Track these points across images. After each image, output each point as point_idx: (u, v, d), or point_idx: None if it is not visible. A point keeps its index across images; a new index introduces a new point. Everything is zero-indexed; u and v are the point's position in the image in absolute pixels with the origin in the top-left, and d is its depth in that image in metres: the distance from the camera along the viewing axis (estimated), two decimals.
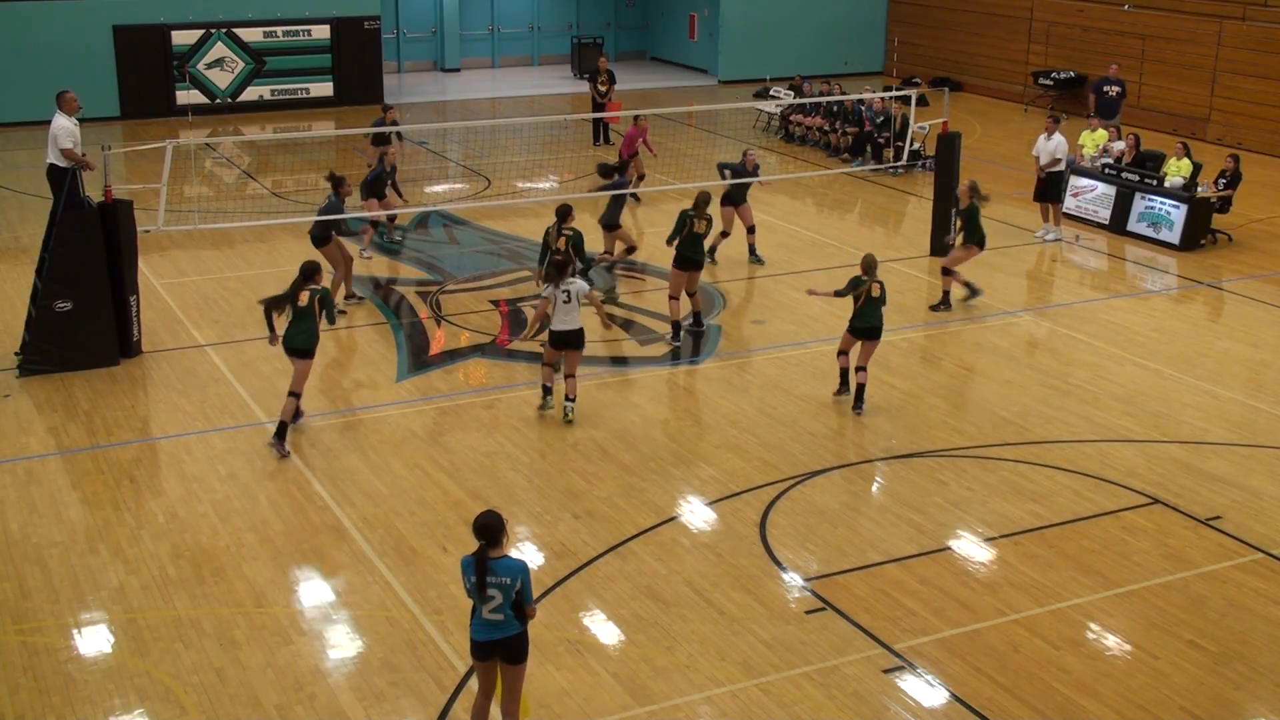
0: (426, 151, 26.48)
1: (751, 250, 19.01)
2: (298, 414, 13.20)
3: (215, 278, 18.26)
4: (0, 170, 24.20)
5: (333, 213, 16.69)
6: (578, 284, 13.28)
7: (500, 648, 8.11)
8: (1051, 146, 20.27)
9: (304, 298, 12.75)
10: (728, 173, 18.84)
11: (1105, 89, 24.73)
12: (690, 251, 15.64)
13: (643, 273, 18.59)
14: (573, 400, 13.61)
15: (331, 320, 13.15)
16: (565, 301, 13.18)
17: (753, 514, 11.77)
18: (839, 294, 14.01)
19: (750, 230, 19.00)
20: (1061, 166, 20.46)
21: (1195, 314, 17.56)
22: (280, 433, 12.87)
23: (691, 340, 15.93)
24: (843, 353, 14.20)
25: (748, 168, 18.73)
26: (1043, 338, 16.34)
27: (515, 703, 8.27)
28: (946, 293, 17.23)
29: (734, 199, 18.73)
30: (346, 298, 16.99)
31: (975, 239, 17.07)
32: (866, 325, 13.83)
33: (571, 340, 13.39)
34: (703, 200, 15.72)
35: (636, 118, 21.86)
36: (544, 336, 13.99)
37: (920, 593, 10.52)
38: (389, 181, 19.45)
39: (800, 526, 11.57)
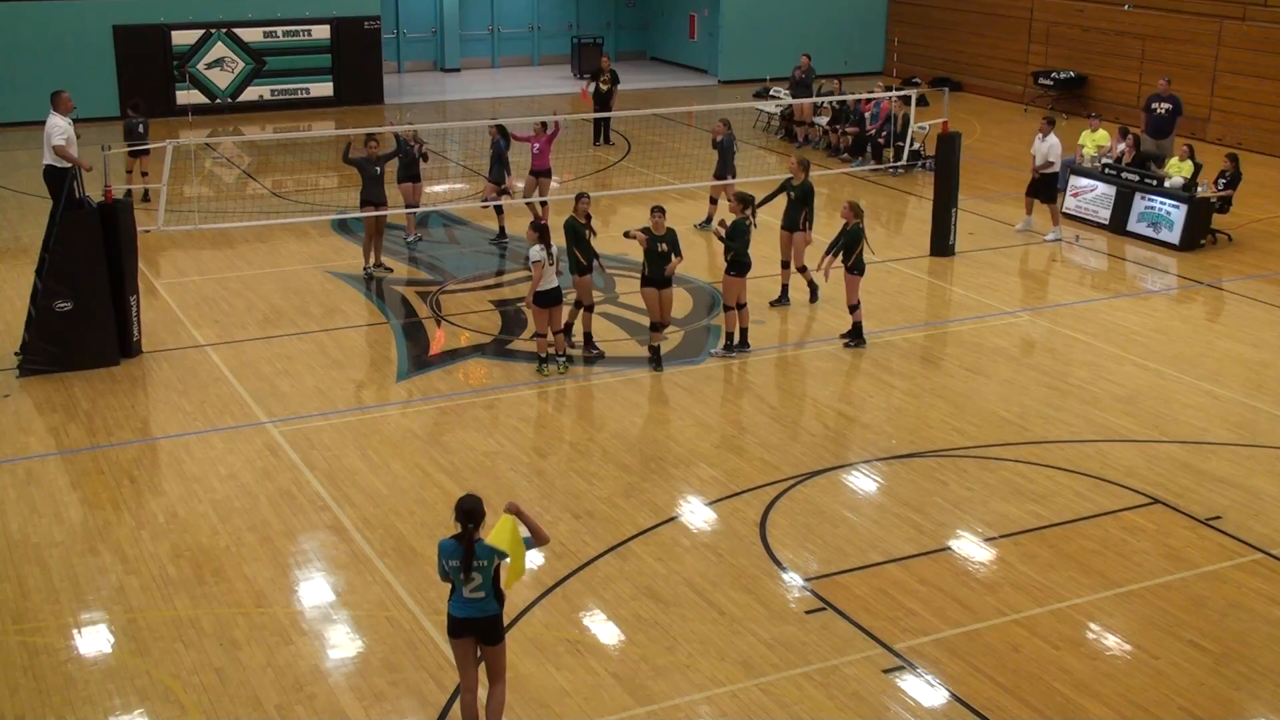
0: (427, 151, 26.41)
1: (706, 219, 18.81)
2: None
3: (215, 278, 18.25)
4: (0, 170, 24.20)
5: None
6: (555, 246, 14.44)
7: (477, 627, 8.22)
8: (1045, 148, 20.28)
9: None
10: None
11: (1154, 106, 22.77)
12: (747, 258, 15.13)
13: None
14: (564, 356, 14.81)
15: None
16: (550, 264, 14.27)
17: (753, 514, 11.78)
18: (837, 250, 15.60)
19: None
20: (1056, 168, 20.42)
21: (1195, 314, 17.56)
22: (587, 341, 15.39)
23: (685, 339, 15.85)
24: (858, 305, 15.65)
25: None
26: (1043, 338, 16.34)
27: (501, 677, 8.39)
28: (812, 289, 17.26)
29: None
30: (376, 264, 18.33)
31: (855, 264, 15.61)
32: (863, 263, 15.58)
33: (556, 297, 14.46)
34: (746, 200, 15.35)
35: (544, 124, 20.38)
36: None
37: (920, 593, 10.52)
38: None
39: (800, 526, 11.57)
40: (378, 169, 17.70)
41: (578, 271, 15.07)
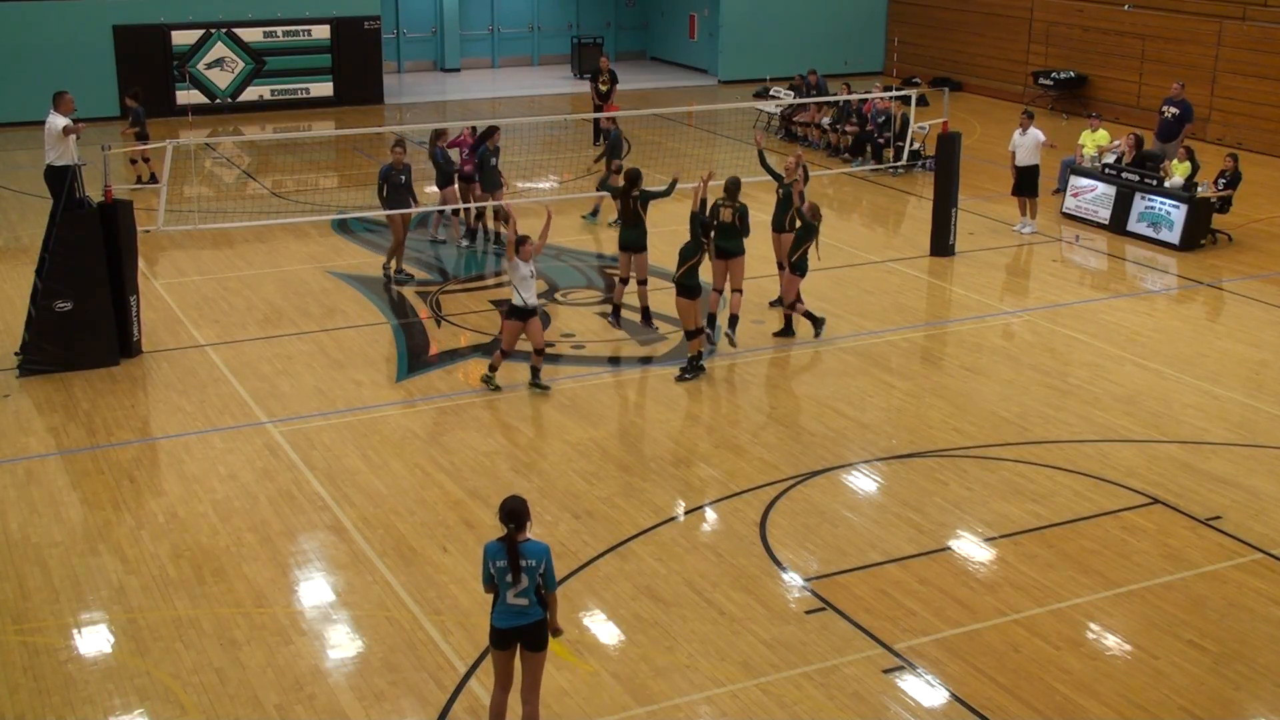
0: (427, 151, 26.42)
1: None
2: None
3: (215, 278, 18.25)
4: (0, 170, 24.20)
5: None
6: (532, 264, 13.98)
7: (523, 634, 8.18)
8: (1028, 141, 20.38)
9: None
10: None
11: (1164, 110, 22.84)
12: (722, 241, 15.25)
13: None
14: (538, 370, 14.38)
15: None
16: (531, 275, 13.81)
17: (753, 514, 11.77)
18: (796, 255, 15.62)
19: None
20: (1035, 159, 20.52)
21: (1195, 314, 17.56)
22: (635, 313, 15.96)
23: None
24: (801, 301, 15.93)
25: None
26: (1043, 338, 16.33)
27: (535, 691, 8.34)
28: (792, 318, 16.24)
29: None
30: (398, 270, 18.20)
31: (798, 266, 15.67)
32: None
33: (532, 311, 14.02)
34: (732, 186, 15.38)
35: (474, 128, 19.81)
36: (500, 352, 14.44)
37: (920, 593, 10.52)
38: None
39: (800, 526, 11.57)
40: (402, 178, 17.69)
41: (637, 249, 15.85)
